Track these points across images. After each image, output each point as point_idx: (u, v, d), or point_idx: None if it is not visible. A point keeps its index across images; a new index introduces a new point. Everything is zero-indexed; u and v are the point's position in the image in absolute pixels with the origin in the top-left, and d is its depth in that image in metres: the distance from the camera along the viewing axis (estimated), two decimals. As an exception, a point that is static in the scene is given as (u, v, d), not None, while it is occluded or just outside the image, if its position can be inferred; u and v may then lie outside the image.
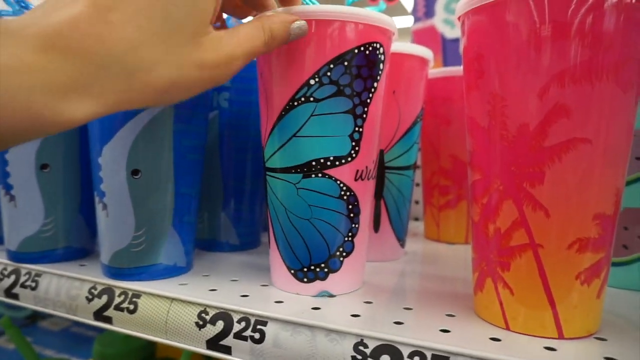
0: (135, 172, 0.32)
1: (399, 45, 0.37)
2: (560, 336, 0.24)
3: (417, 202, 0.66)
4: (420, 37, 0.64)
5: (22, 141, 0.19)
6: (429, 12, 0.64)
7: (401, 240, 0.42)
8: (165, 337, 0.30)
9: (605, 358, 0.22)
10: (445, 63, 0.65)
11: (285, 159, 0.30)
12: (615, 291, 0.33)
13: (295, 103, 0.29)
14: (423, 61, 0.40)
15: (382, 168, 0.39)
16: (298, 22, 0.27)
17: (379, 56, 0.30)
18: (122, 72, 0.20)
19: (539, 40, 0.22)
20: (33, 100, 0.18)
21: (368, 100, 0.30)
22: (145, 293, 0.32)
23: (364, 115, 0.30)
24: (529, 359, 0.22)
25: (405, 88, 0.39)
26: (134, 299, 0.32)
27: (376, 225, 0.40)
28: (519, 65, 0.23)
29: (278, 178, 0.31)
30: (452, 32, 0.63)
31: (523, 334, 0.25)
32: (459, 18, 0.28)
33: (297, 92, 0.29)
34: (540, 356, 0.22)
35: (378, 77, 0.30)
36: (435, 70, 0.48)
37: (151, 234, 0.33)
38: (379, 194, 0.40)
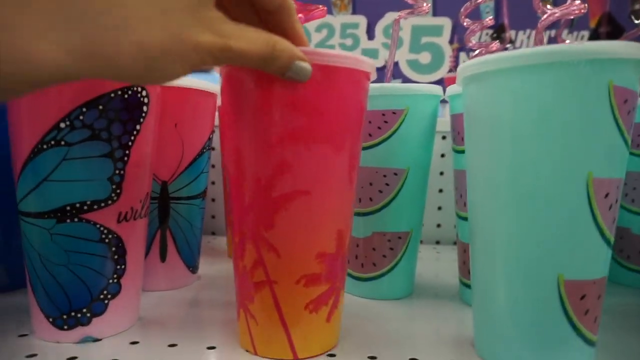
0: None
1: (180, 80, 0.38)
2: (295, 357, 0.28)
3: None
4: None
5: None
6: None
7: (191, 267, 0.43)
8: None
9: (325, 375, 0.26)
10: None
11: (37, 204, 0.28)
12: (367, 301, 0.39)
13: (45, 146, 0.28)
14: (208, 94, 0.41)
15: (165, 199, 0.40)
16: (304, 64, 0.24)
17: (142, 98, 0.30)
18: (98, 14, 0.18)
19: (268, 106, 0.25)
20: None
21: (129, 143, 0.30)
22: None
23: (125, 158, 0.30)
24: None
25: (188, 121, 0.40)
26: None
27: (163, 256, 0.40)
28: (254, 126, 0.26)
29: (31, 223, 0.29)
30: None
31: (267, 357, 0.28)
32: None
33: (45, 135, 0.27)
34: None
35: (141, 120, 0.30)
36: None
37: None
38: (164, 225, 0.40)
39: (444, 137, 0.60)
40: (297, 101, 0.25)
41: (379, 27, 0.66)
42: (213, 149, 0.64)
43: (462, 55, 0.66)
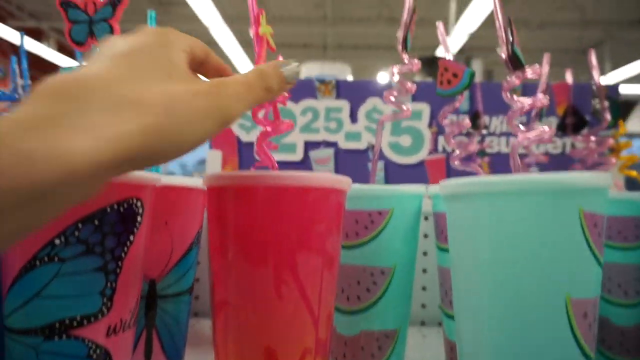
0: None
1: (170, 179, 0.39)
2: None
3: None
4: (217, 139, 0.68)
5: (48, 201, 0.17)
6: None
7: (176, 365, 0.42)
8: None
9: None
10: (241, 162, 0.70)
11: (25, 321, 0.28)
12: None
13: (38, 262, 0.28)
14: (198, 191, 0.42)
15: (153, 297, 0.39)
16: (287, 65, 0.27)
17: (137, 209, 0.31)
18: (109, 103, 0.19)
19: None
20: (16, 139, 0.17)
21: (122, 255, 0.30)
22: None
23: (118, 270, 0.30)
24: None
25: (178, 217, 0.40)
26: None
27: (147, 356, 0.39)
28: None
29: (16, 340, 0.28)
30: (247, 136, 0.69)
31: None
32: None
33: (39, 252, 0.28)
34: None
35: (135, 230, 0.31)
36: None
37: None
38: (150, 324, 0.39)
39: (426, 236, 0.62)
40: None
41: (362, 112, 0.69)
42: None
43: (441, 138, 0.69)
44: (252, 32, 0.32)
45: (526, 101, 0.30)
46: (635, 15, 4.16)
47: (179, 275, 0.41)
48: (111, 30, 0.30)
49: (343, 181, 0.30)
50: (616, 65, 4.64)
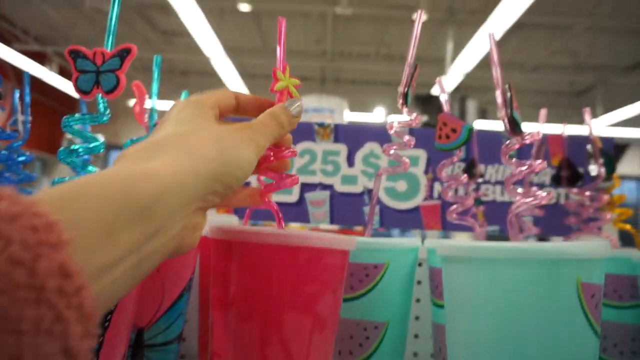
0: None
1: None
2: None
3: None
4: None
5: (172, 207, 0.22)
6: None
7: (160, 419, 0.40)
8: None
9: None
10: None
11: (7, 375, 0.27)
12: None
13: (25, 315, 0.27)
14: (192, 236, 0.42)
15: (140, 347, 0.38)
16: (292, 104, 0.31)
17: (130, 260, 0.30)
18: (181, 144, 0.24)
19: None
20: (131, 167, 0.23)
21: (112, 308, 0.29)
22: None
23: (106, 324, 0.29)
24: None
25: (171, 264, 0.40)
26: None
27: (131, 409, 0.38)
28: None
29: (-4, 396, 0.27)
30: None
31: None
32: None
33: (28, 304, 0.27)
34: None
35: (127, 281, 0.30)
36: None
37: None
38: (136, 375, 0.38)
39: (419, 282, 0.61)
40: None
41: (359, 156, 0.70)
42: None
43: (436, 185, 0.69)
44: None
45: (524, 166, 0.30)
46: (626, 62, 4.29)
47: (168, 323, 0.40)
48: (117, 82, 0.30)
49: (343, 241, 0.30)
50: (608, 109, 4.75)
